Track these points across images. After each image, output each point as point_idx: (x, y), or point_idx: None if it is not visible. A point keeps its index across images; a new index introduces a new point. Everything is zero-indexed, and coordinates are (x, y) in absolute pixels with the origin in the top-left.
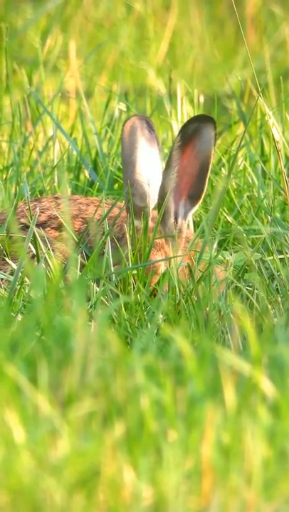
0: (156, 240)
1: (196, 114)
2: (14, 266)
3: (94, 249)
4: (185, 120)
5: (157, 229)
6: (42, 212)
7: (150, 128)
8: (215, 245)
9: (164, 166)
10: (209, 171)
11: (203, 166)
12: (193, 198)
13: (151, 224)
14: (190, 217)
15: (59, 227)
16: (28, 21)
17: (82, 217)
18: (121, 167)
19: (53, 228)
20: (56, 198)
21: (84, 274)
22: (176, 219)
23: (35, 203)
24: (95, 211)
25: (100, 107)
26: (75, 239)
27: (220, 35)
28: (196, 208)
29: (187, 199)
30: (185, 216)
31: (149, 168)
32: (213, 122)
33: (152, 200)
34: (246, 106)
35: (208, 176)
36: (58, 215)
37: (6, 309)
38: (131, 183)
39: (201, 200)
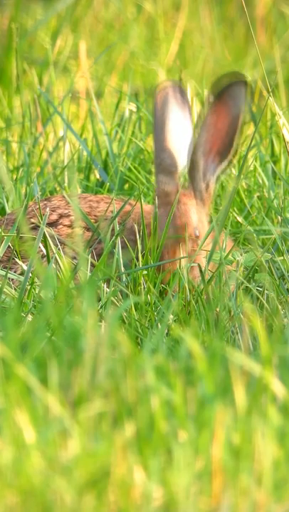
0: (185, 200)
1: (228, 71)
2: (24, 266)
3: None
4: (195, 121)
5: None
6: (52, 211)
7: (182, 94)
8: (230, 243)
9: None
10: (240, 129)
11: (233, 123)
12: (222, 155)
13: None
14: (218, 173)
15: (71, 225)
16: (39, 22)
17: (94, 215)
18: (131, 167)
19: (65, 226)
20: (65, 196)
21: (94, 274)
22: (204, 175)
23: (45, 202)
24: (107, 208)
25: (110, 107)
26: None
27: (230, 35)
28: (225, 164)
29: (216, 155)
30: (214, 172)
31: (180, 129)
32: (245, 81)
33: (183, 159)
34: (256, 106)
35: (238, 133)
36: (71, 212)
37: (16, 310)
38: (162, 140)
39: (231, 156)
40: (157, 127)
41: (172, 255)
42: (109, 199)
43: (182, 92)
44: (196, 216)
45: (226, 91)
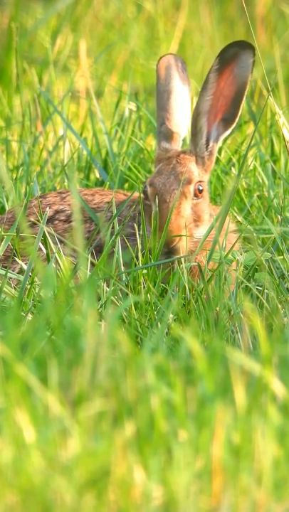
0: (186, 156)
1: (235, 40)
2: (24, 265)
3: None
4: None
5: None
6: (47, 206)
7: (183, 68)
8: (233, 238)
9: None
10: (245, 97)
11: (239, 90)
12: (226, 122)
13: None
14: (221, 140)
15: (67, 219)
16: (39, 21)
17: (91, 208)
18: (131, 167)
19: (61, 221)
20: (60, 192)
21: (94, 274)
22: (207, 141)
23: (40, 199)
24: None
25: (110, 106)
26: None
27: (230, 35)
28: (229, 132)
29: (220, 122)
30: (217, 139)
31: (182, 97)
32: (252, 49)
33: (184, 127)
34: (256, 105)
35: (243, 101)
36: (66, 207)
37: (16, 309)
38: (166, 109)
39: (235, 124)
40: (160, 94)
41: (170, 211)
42: (103, 191)
43: (183, 64)
44: (197, 171)
45: (233, 58)
